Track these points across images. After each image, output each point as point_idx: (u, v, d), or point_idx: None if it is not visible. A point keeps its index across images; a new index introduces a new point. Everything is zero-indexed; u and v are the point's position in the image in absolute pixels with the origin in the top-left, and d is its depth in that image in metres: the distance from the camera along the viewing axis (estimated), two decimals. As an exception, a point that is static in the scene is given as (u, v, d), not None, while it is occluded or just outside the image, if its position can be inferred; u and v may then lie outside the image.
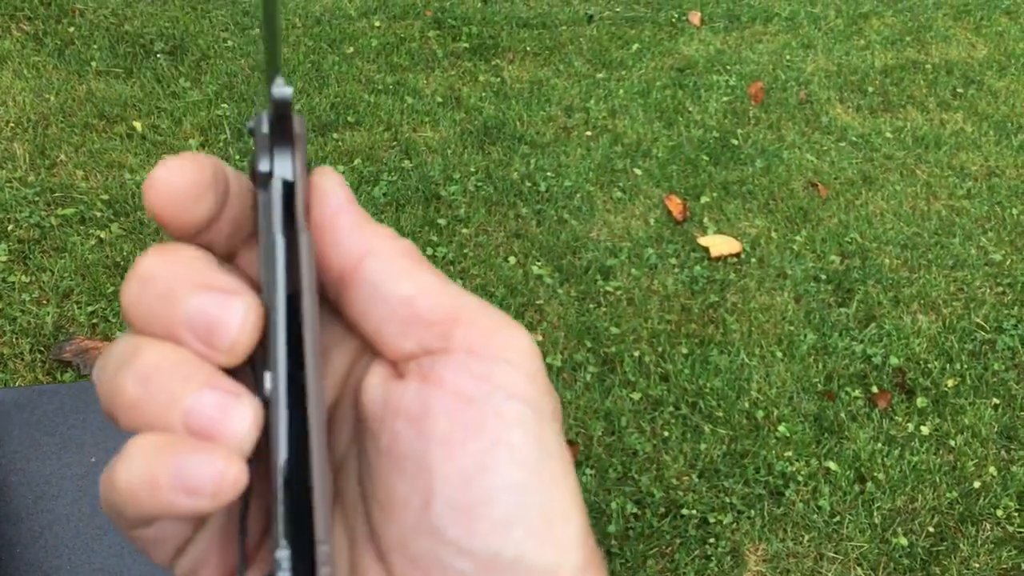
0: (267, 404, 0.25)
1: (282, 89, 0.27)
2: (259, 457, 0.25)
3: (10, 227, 2.24)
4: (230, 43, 2.96)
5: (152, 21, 3.01)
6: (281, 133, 0.28)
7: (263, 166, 0.28)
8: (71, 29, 2.91)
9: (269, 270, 0.27)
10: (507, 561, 0.25)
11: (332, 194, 0.28)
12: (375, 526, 0.27)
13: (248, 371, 0.27)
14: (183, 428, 0.24)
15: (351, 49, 3.02)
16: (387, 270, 0.27)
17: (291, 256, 0.27)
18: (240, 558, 0.27)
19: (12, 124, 2.54)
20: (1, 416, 0.69)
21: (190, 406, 0.24)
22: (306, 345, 0.26)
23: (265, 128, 0.28)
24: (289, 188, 0.27)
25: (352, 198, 0.28)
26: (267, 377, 0.26)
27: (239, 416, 0.24)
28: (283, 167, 0.28)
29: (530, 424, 0.26)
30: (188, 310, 0.25)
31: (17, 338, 2.00)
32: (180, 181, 0.25)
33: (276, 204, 0.27)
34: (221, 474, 0.23)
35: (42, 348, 1.99)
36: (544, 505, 0.25)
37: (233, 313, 0.25)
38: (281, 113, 0.27)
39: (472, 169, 2.61)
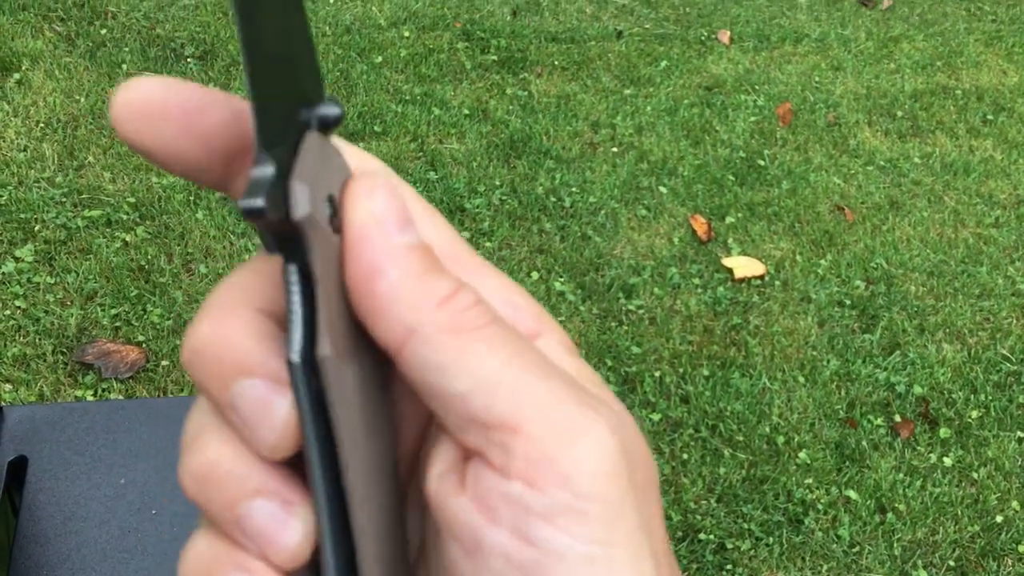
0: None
1: (299, 202, 0.21)
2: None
3: (37, 227, 2.25)
4: (260, 49, 2.97)
5: (183, 25, 3.03)
6: (288, 246, 0.22)
7: (268, 249, 0.23)
8: (103, 31, 2.94)
9: (295, 396, 0.23)
10: None
11: (368, 246, 0.23)
12: None
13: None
14: (239, 533, 0.24)
15: (380, 59, 3.03)
16: (435, 358, 0.23)
17: (317, 384, 0.23)
18: None
19: (42, 124, 2.56)
20: (31, 433, 0.69)
21: (242, 516, 0.24)
22: (348, 493, 0.23)
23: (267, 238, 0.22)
24: (307, 282, 0.22)
25: (397, 240, 0.23)
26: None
27: (290, 533, 0.23)
28: (297, 256, 0.22)
29: (599, 565, 0.23)
30: (235, 397, 0.23)
31: (40, 339, 2.01)
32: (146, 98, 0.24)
33: (295, 314, 0.22)
34: None
35: (64, 350, 1.99)
36: None
37: (277, 412, 0.23)
38: (281, 232, 0.22)
39: (497, 182, 2.61)
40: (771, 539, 1.87)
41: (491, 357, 0.23)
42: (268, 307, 0.24)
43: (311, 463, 0.23)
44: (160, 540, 0.64)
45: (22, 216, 2.27)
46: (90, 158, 2.48)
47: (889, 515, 1.93)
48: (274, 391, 0.23)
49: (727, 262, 2.46)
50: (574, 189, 2.63)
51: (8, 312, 2.06)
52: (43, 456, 0.68)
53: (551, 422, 0.23)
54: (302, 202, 0.21)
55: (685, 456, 2.00)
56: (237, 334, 0.23)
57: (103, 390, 1.93)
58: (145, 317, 2.09)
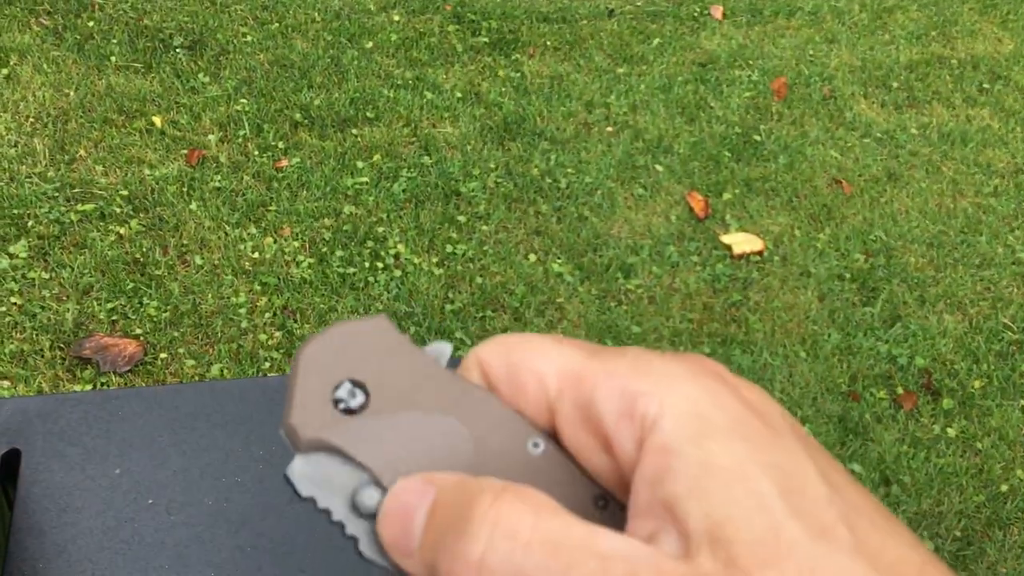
0: None
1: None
2: None
3: (30, 223, 2.24)
4: (249, 38, 2.95)
5: (171, 15, 3.00)
6: None
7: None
8: (91, 23, 2.91)
9: None
10: None
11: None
12: None
13: None
14: None
15: (370, 44, 3.00)
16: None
17: None
18: None
19: (32, 119, 2.54)
20: (24, 425, 0.67)
21: None
22: None
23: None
24: None
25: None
26: None
27: None
28: None
29: None
30: None
31: (37, 334, 2.00)
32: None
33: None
34: None
35: (62, 345, 1.98)
36: None
37: None
38: None
39: (492, 165, 2.60)
40: (776, 514, 1.87)
41: None
42: None
43: None
44: (157, 529, 0.63)
45: (14, 212, 2.26)
46: (81, 152, 2.46)
47: (894, 487, 1.93)
48: None
49: (725, 239, 2.45)
50: (569, 170, 2.61)
51: (4, 308, 2.05)
52: (36, 448, 0.67)
53: None
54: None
55: (688, 434, 1.99)
56: None
57: (102, 384, 1.92)
58: (142, 310, 2.07)
